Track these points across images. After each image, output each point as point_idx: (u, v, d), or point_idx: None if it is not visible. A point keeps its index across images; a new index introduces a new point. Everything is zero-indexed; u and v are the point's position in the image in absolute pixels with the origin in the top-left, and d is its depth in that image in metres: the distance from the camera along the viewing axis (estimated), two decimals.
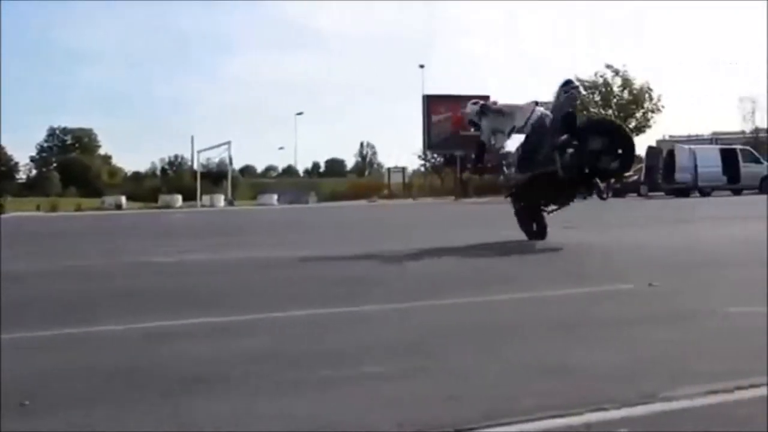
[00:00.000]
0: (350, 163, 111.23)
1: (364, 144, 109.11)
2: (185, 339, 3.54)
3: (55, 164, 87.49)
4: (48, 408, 2.42)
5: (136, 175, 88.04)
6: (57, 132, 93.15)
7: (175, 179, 70.01)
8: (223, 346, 3.35)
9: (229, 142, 54.45)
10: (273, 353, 3.17)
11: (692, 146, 39.00)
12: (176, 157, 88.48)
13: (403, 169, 59.43)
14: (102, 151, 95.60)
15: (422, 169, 61.30)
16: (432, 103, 50.70)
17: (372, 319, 4.05)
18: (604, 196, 9.78)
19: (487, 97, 47.27)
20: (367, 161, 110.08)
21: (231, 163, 58.17)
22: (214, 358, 3.09)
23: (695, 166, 36.10)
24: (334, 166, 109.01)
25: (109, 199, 49.76)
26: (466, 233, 11.31)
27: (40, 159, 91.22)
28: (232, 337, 3.60)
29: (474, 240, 9.22)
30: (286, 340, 3.47)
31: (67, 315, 4.38)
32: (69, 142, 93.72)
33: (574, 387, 2.49)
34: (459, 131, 50.86)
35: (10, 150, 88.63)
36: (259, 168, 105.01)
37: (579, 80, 50.40)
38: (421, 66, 54.35)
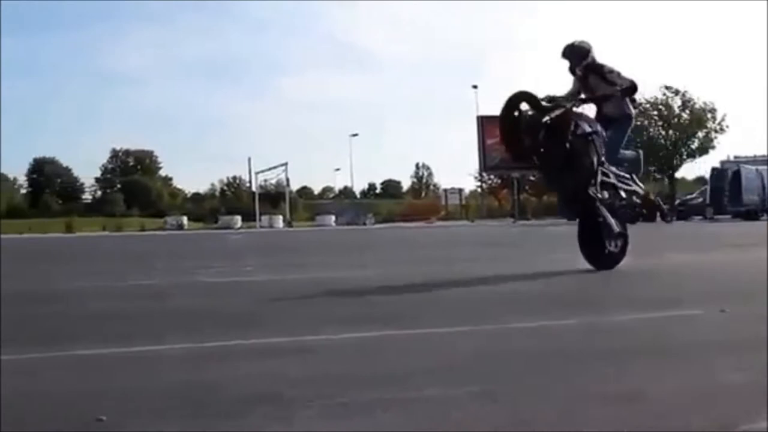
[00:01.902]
0: (406, 184, 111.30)
1: (420, 165, 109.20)
2: (243, 359, 3.56)
3: (118, 185, 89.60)
4: (122, 423, 2.45)
5: (196, 196, 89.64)
6: (119, 154, 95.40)
7: (234, 200, 71.05)
8: (279, 367, 3.36)
9: (285, 164, 55.11)
10: (332, 374, 3.16)
11: (759, 167, 37.91)
12: (234, 178, 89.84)
13: (460, 191, 59.34)
14: (162, 173, 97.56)
15: (479, 190, 61.11)
16: (486, 123, 50.58)
17: (434, 341, 4.01)
18: (668, 219, 9.43)
19: None
20: (423, 182, 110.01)
21: (288, 184, 58.81)
22: (272, 379, 3.09)
23: (763, 188, 35.12)
24: (390, 187, 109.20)
25: (171, 220, 50.75)
26: (529, 256, 11.23)
27: (105, 180, 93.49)
28: (287, 358, 3.59)
29: (540, 264, 9.11)
30: (343, 362, 3.46)
31: (131, 333, 4.45)
32: (131, 163, 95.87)
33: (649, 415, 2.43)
34: None
35: (76, 171, 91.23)
36: (316, 189, 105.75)
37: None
38: (474, 86, 54.38)
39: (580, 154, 7.58)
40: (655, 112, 51.30)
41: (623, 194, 8.06)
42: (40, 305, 6.00)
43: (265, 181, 60.11)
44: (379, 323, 4.57)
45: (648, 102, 51.24)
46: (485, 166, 52.33)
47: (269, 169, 56.94)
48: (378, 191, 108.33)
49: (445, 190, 62.98)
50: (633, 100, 8.14)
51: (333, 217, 52.05)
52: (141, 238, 29.87)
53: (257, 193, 56.14)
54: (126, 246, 21.23)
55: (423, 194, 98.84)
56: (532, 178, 57.18)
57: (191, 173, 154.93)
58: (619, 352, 3.54)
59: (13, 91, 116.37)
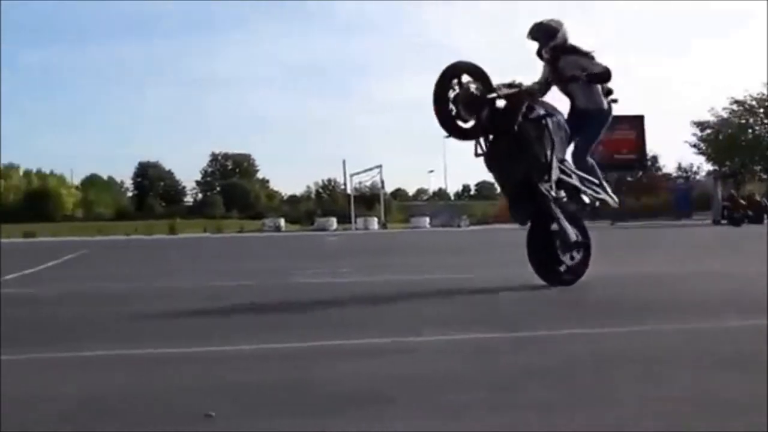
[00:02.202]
0: None
1: None
2: (342, 359, 3.62)
3: (218, 188, 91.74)
4: (230, 419, 2.53)
5: (292, 198, 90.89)
6: (219, 157, 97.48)
7: (330, 202, 71.75)
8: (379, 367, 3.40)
9: (380, 166, 55.27)
10: (431, 375, 3.18)
11: None
12: (329, 180, 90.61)
13: None
14: (259, 175, 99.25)
15: None
16: None
17: (535, 344, 3.99)
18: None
19: (641, 118, 45.10)
20: None
21: (383, 186, 58.95)
22: (372, 379, 3.14)
23: None
24: (485, 188, 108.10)
25: (268, 222, 51.64)
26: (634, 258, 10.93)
27: (205, 183, 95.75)
28: (386, 358, 3.62)
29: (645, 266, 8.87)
30: (442, 363, 3.47)
31: (234, 331, 4.58)
32: (230, 167, 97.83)
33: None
34: (613, 154, 49.85)
35: (178, 175, 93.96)
36: (410, 191, 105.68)
37: (736, 100, 48.29)
38: None
39: (529, 141, 6.48)
40: (762, 110, 49.35)
41: (586, 200, 6.90)
42: (145, 303, 6.22)
43: (360, 183, 60.44)
44: (477, 325, 4.57)
45: (753, 99, 49.37)
46: None
47: (364, 171, 57.27)
48: (472, 193, 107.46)
49: None
50: (609, 92, 6.95)
51: (427, 219, 51.87)
52: (240, 240, 30.56)
53: (352, 195, 56.53)
54: (226, 247, 21.74)
55: None
56: (629, 178, 55.86)
57: (287, 176, 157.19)
58: (707, 357, 3.45)
59: (118, 98, 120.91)
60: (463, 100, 6.39)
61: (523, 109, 6.47)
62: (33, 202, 75.17)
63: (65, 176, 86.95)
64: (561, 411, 2.55)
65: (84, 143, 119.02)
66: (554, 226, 6.64)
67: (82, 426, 2.50)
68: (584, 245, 6.76)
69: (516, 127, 6.43)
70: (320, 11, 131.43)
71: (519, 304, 5.74)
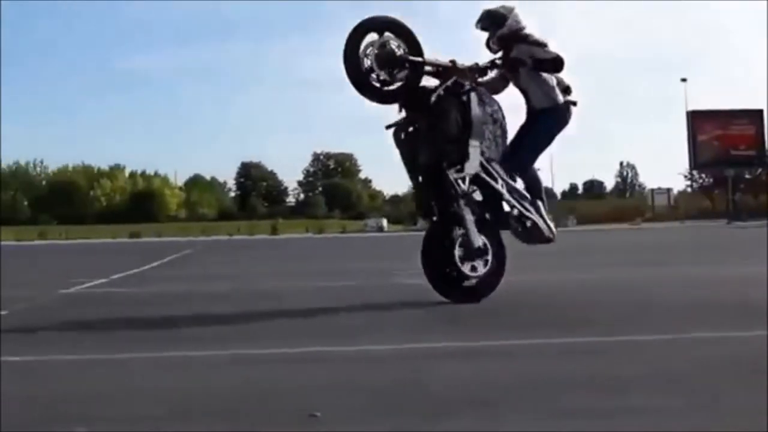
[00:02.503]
0: (609, 184, 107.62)
1: (624, 164, 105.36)
2: (447, 360, 3.55)
3: (320, 188, 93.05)
4: (336, 420, 2.47)
5: (395, 198, 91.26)
6: (321, 157, 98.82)
7: None
8: (488, 369, 3.31)
9: None
10: (539, 379, 3.07)
11: None
12: None
13: (668, 190, 56.67)
14: (362, 175, 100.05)
15: (689, 190, 58.17)
16: (697, 119, 48.02)
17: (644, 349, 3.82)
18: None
19: (760, 112, 43.17)
20: (627, 182, 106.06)
21: None
22: (480, 381, 3.05)
23: None
24: (593, 187, 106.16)
25: (370, 222, 52.12)
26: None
27: (307, 183, 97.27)
28: (493, 360, 3.53)
29: None
30: (548, 367, 3.35)
31: (337, 332, 4.59)
32: (331, 166, 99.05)
33: None
34: (729, 149, 48.00)
35: (280, 175, 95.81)
36: None
37: None
38: (683, 80, 51.61)
39: (447, 119, 5.61)
40: None
41: (506, 208, 5.92)
42: (249, 303, 6.28)
43: None
44: (590, 327, 4.43)
45: None
46: (696, 163, 49.72)
47: None
48: (580, 191, 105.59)
49: (652, 190, 60.40)
50: (567, 90, 6.01)
51: None
52: (342, 240, 30.87)
53: None
54: (328, 247, 21.98)
55: (627, 194, 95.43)
56: (747, 176, 53.72)
57: (390, 175, 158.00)
58: None
59: (221, 99, 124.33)
60: (378, 57, 5.59)
61: (448, 83, 5.69)
62: (138, 202, 78.00)
63: (169, 177, 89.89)
64: (664, 417, 2.43)
65: (187, 144, 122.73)
66: (457, 228, 5.66)
67: (186, 425, 2.49)
68: (494, 254, 5.75)
69: (434, 101, 5.63)
70: (425, 10, 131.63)
71: (627, 308, 5.53)
